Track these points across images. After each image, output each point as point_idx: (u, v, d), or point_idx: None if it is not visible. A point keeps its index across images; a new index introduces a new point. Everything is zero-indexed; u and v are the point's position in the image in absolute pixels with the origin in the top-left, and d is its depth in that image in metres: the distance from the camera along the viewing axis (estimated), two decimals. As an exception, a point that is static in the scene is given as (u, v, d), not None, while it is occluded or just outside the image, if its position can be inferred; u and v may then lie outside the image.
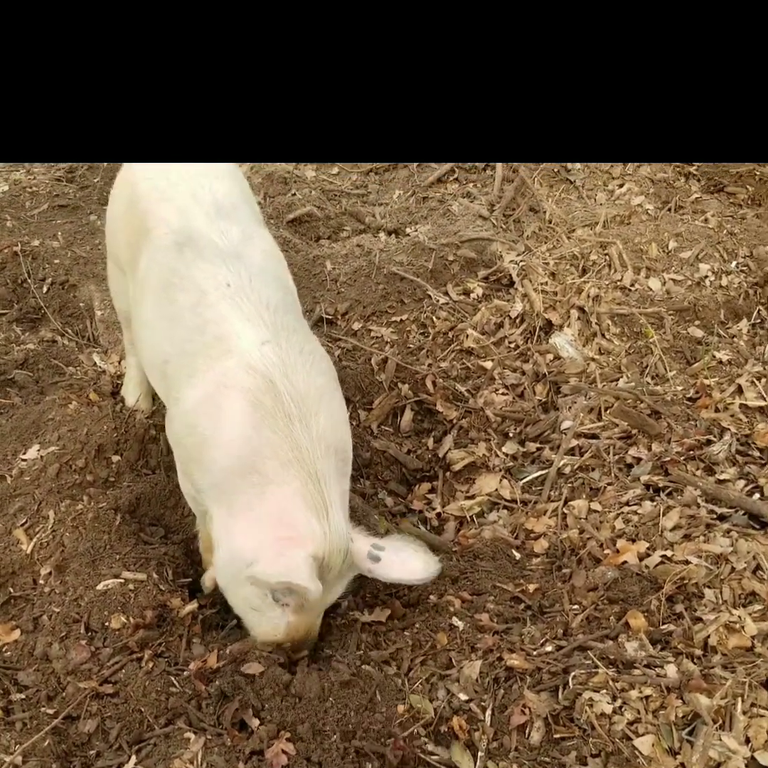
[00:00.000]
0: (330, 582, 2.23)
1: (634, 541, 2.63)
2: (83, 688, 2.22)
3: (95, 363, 3.66)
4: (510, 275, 4.14)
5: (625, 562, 2.55)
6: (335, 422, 2.37)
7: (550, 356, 3.67)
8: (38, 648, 2.37)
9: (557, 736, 2.06)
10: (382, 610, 2.57)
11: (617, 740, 2.00)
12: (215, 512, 2.37)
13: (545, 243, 4.37)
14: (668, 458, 2.91)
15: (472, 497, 3.12)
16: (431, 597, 2.57)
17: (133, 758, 2.02)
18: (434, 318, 3.97)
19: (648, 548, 2.58)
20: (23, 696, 2.24)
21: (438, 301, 4.05)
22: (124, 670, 2.27)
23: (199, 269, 2.46)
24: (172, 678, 2.26)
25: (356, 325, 3.99)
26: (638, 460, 3.00)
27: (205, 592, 2.67)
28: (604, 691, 2.12)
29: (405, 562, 2.28)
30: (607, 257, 4.10)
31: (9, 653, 2.38)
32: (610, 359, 3.63)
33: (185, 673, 2.28)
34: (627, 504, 2.80)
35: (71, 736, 2.14)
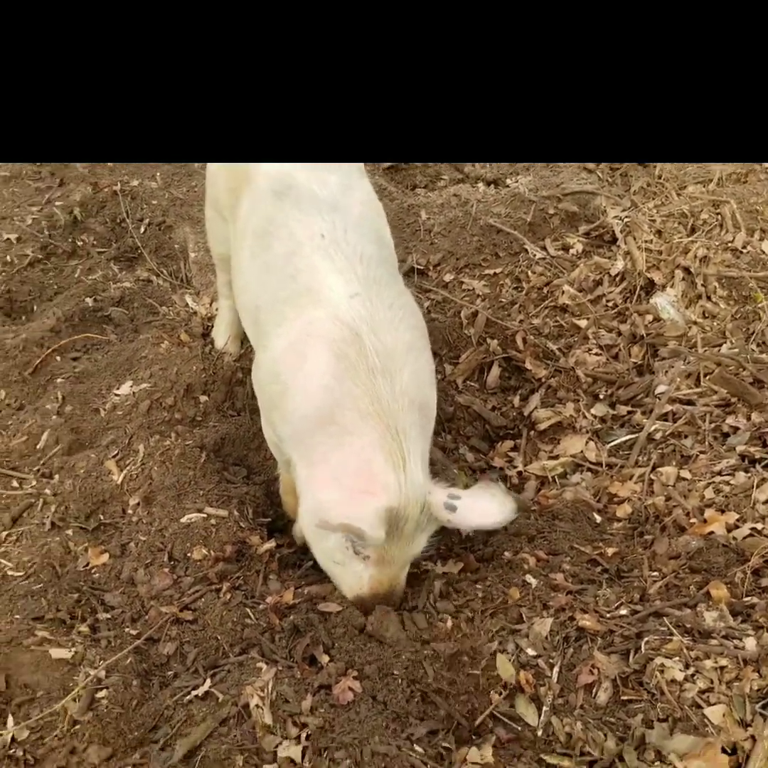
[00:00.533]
0: (408, 533, 2.23)
1: (723, 511, 2.54)
2: (165, 612, 2.32)
3: (187, 304, 3.73)
4: (613, 231, 4.02)
5: (712, 532, 2.47)
6: (420, 379, 2.36)
7: (649, 317, 3.56)
8: (125, 572, 2.48)
9: (624, 698, 2.04)
10: (455, 562, 2.58)
11: (686, 707, 1.96)
12: (297, 463, 2.40)
13: (653, 199, 4.21)
14: (768, 429, 2.81)
15: (556, 458, 3.07)
16: (506, 554, 2.56)
17: (208, 682, 2.09)
18: (529, 272, 3.89)
19: (737, 520, 2.49)
20: (109, 616, 2.36)
21: (534, 255, 3.97)
22: (203, 599, 2.36)
23: (295, 219, 2.47)
24: (248, 610, 2.33)
25: (448, 277, 3.94)
26: (735, 429, 2.89)
27: (297, 542, 2.73)
28: (678, 658, 2.07)
29: (482, 507, 2.25)
30: (719, 217, 3.92)
31: (97, 575, 2.50)
32: (714, 323, 3.49)
33: (261, 606, 2.35)
34: (719, 474, 2.71)
35: (152, 657, 2.23)
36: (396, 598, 2.36)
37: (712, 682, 2.01)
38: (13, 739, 1.97)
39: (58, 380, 3.30)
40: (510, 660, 2.13)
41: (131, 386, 3.15)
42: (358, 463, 2.21)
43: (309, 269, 2.38)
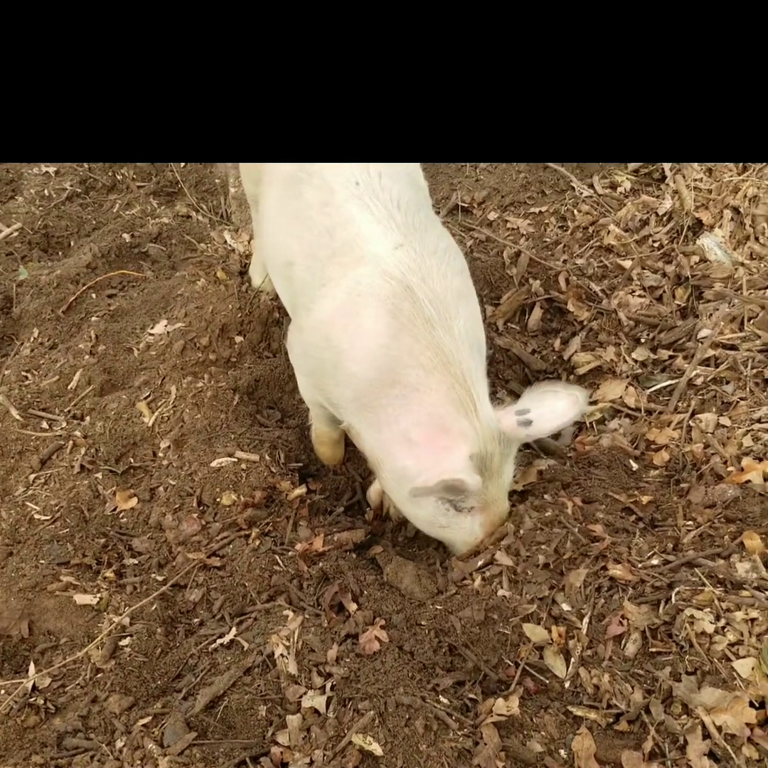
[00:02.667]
0: (496, 468, 2.22)
1: (761, 459, 2.49)
2: (192, 558, 2.33)
3: (226, 241, 3.67)
4: (662, 169, 3.88)
5: (749, 481, 2.42)
6: (474, 322, 2.32)
7: (695, 258, 3.45)
8: (153, 517, 2.49)
9: (653, 650, 2.02)
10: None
11: (716, 660, 1.94)
12: (362, 429, 2.35)
13: (705, 135, 4.06)
14: (811, 375, 2.72)
15: (595, 403, 3.01)
16: (546, 496, 2.53)
17: (234, 630, 2.11)
18: (575, 211, 3.79)
19: (775, 468, 2.44)
20: (136, 561, 2.38)
21: (581, 193, 3.87)
22: (231, 546, 2.37)
23: (327, 165, 2.38)
24: (277, 557, 2.34)
25: (492, 216, 3.85)
26: (777, 375, 2.82)
27: (371, 506, 2.72)
28: (708, 609, 2.05)
29: (554, 409, 2.23)
30: (772, 154, 3.77)
31: (125, 520, 2.51)
32: (762, 265, 3.37)
33: (290, 553, 2.35)
34: (759, 421, 2.64)
35: (177, 603, 2.25)
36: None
37: (741, 634, 1.99)
38: (34, 686, 2.00)
39: (93, 318, 3.30)
40: (542, 617, 2.11)
41: (166, 325, 3.13)
42: (430, 420, 2.18)
43: (346, 222, 2.29)
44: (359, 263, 2.24)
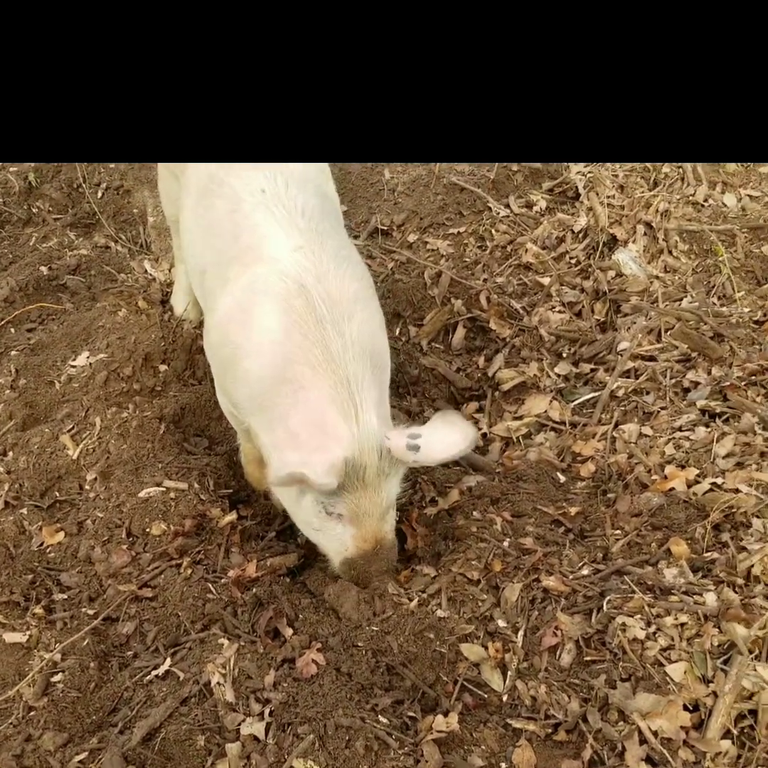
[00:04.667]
0: (372, 482, 2.16)
1: (683, 467, 2.55)
2: (123, 590, 2.29)
3: (146, 270, 3.67)
4: (576, 187, 3.97)
5: (673, 488, 2.48)
6: (370, 328, 2.31)
7: (612, 273, 3.55)
8: (81, 551, 2.45)
9: (588, 658, 2.05)
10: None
11: (648, 665, 1.97)
12: (257, 428, 2.34)
13: (616, 153, 4.18)
14: (728, 383, 2.79)
15: (520, 418, 3.06)
16: (475, 513, 2.54)
17: (168, 661, 2.07)
18: (493, 231, 3.86)
19: (697, 475, 2.50)
20: (65, 596, 2.33)
21: (498, 213, 3.93)
22: (163, 576, 2.33)
23: (236, 175, 2.44)
24: (210, 585, 2.31)
25: (412, 237, 3.90)
26: (696, 384, 2.89)
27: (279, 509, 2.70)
28: (639, 616, 2.08)
29: (444, 439, 2.18)
30: (681, 170, 3.89)
31: (53, 555, 2.46)
32: (676, 278, 3.49)
33: (223, 580, 2.33)
34: (679, 429, 2.71)
35: (110, 637, 2.21)
36: (387, 554, 2.29)
37: (672, 639, 2.03)
38: (-35, 728, 1.94)
39: (12, 353, 3.24)
40: (480, 635, 2.12)
41: (88, 357, 3.09)
42: (312, 418, 2.16)
43: (250, 227, 2.34)
44: (257, 263, 2.27)
